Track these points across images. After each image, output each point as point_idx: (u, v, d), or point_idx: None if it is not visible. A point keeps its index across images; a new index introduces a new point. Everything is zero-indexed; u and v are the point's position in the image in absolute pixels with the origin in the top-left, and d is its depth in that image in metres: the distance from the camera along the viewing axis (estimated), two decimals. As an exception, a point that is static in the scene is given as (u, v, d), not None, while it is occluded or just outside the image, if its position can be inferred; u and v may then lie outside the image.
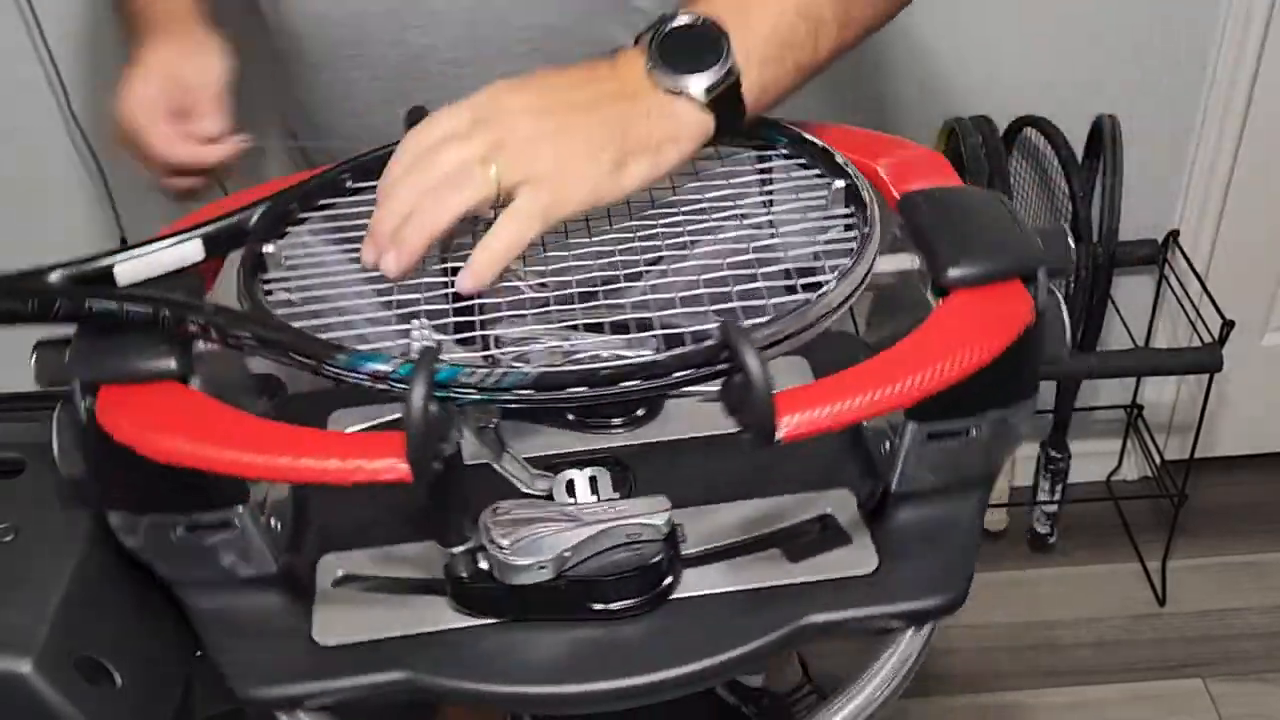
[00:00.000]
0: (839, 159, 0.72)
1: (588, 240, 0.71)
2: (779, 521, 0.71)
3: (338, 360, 0.58)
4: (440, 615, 0.67)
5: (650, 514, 0.65)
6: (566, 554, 0.64)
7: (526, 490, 0.68)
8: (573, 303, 0.66)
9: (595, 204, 0.65)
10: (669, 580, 0.66)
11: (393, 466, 0.55)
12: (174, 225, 0.69)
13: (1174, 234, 1.74)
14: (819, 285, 0.62)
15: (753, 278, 0.65)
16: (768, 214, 0.72)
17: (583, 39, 0.89)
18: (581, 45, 0.85)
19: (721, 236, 0.70)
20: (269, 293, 0.66)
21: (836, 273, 0.63)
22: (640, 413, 0.78)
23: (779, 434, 0.55)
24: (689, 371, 0.56)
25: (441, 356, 0.57)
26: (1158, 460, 1.88)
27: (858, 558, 0.69)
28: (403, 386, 0.56)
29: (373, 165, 0.73)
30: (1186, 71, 1.64)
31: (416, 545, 0.70)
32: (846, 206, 0.70)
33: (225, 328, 0.61)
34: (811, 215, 0.70)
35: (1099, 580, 1.85)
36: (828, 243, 0.68)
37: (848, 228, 0.68)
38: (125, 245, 0.66)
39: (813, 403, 0.56)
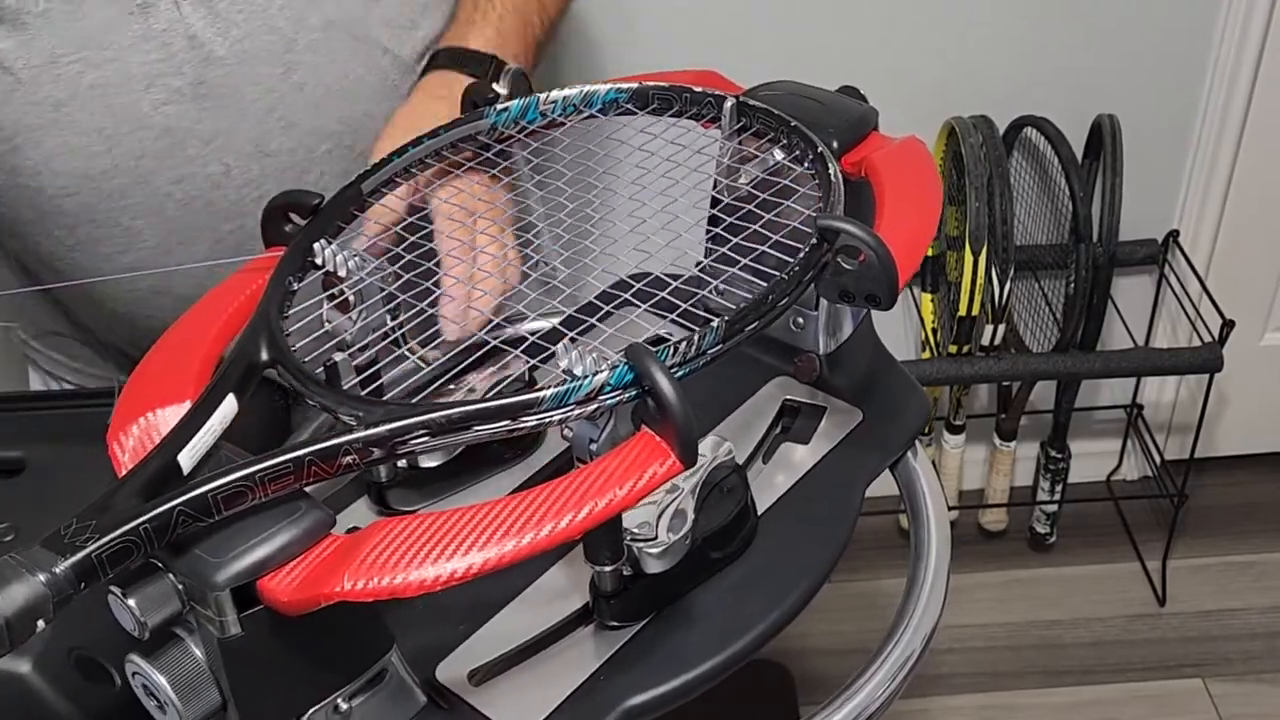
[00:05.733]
0: (696, 89, 0.74)
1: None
2: (760, 427, 0.74)
3: (542, 404, 0.54)
4: (597, 645, 0.64)
5: (722, 450, 0.66)
6: (694, 516, 0.63)
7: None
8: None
9: None
10: (755, 503, 0.68)
11: (663, 466, 0.53)
12: (138, 395, 0.61)
13: (1174, 234, 1.74)
14: (817, 174, 0.67)
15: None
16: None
17: (373, 121, 0.89)
18: (372, 124, 0.88)
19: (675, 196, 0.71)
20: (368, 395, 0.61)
21: (816, 154, 0.67)
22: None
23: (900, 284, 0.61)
24: (811, 272, 0.61)
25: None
26: (1158, 460, 1.88)
27: (847, 417, 0.75)
28: (616, 396, 0.54)
29: (298, 261, 0.68)
30: (1186, 71, 1.64)
31: (504, 612, 0.67)
32: (740, 118, 0.73)
33: (390, 439, 0.53)
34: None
35: (1099, 580, 1.85)
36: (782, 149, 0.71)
37: (758, 135, 0.72)
38: (171, 434, 0.57)
39: (898, 245, 0.61)
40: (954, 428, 1.76)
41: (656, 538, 0.62)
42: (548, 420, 0.54)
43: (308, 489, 0.54)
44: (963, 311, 1.60)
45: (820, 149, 0.68)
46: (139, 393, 0.61)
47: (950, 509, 1.66)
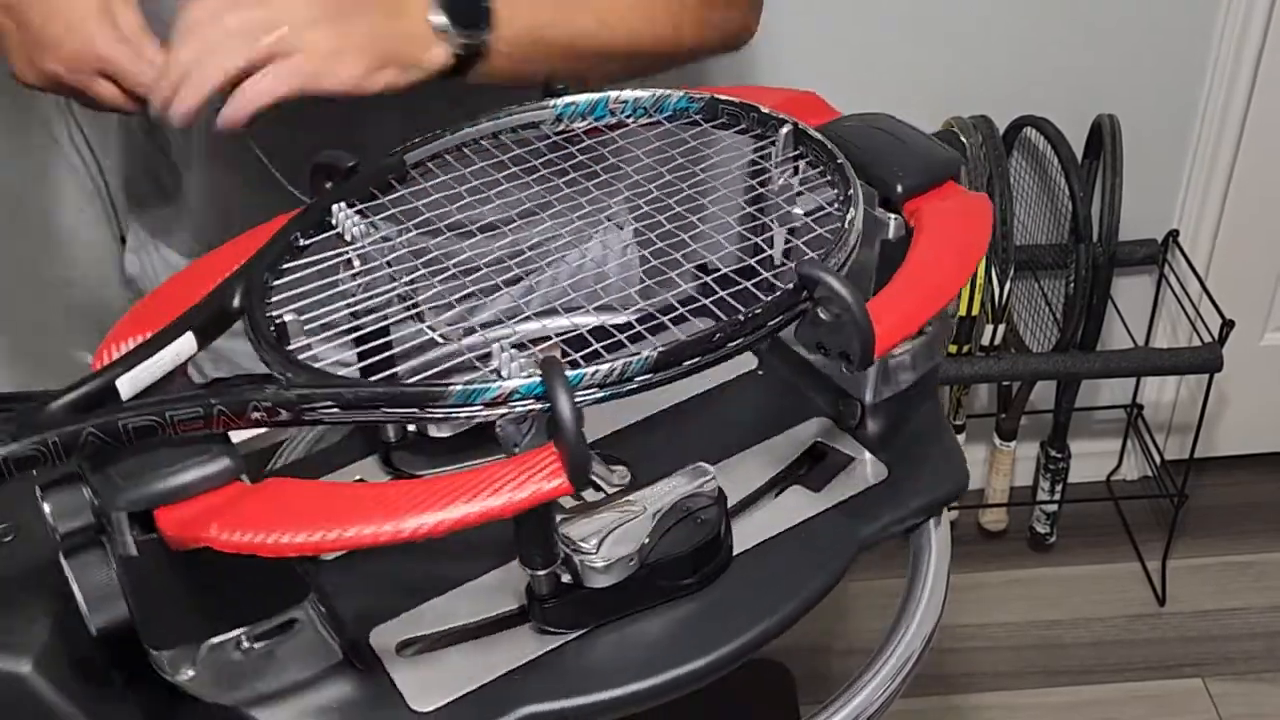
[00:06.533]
0: (764, 110, 0.73)
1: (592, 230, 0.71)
2: (781, 462, 0.73)
3: (450, 398, 0.55)
4: (528, 644, 0.65)
5: (700, 482, 0.65)
6: (646, 540, 0.63)
7: (608, 487, 0.68)
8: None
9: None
10: (730, 540, 0.67)
11: (548, 484, 0.53)
12: (137, 318, 0.64)
13: (1174, 234, 1.74)
14: (837, 217, 0.65)
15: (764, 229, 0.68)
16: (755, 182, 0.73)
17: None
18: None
19: (708, 214, 0.71)
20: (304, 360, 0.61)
21: (842, 199, 0.65)
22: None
23: (877, 349, 0.58)
24: (780, 317, 0.59)
25: (498, 364, 0.56)
26: (1157, 460, 1.88)
27: (869, 470, 0.72)
28: (526, 405, 0.54)
29: (313, 219, 0.69)
30: (1186, 71, 1.64)
31: (457, 590, 0.68)
32: (796, 148, 0.72)
33: (298, 404, 0.56)
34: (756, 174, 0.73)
35: (1099, 580, 1.85)
36: (804, 183, 0.71)
37: (812, 164, 0.71)
38: (119, 360, 0.60)
39: (894, 311, 0.60)
40: (954, 427, 1.76)
41: (597, 553, 0.62)
42: (455, 415, 0.55)
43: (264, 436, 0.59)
44: (963, 311, 1.60)
45: (852, 191, 0.66)
46: (138, 316, 0.64)
47: (950, 509, 1.66)
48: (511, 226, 0.75)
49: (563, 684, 0.63)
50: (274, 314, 0.64)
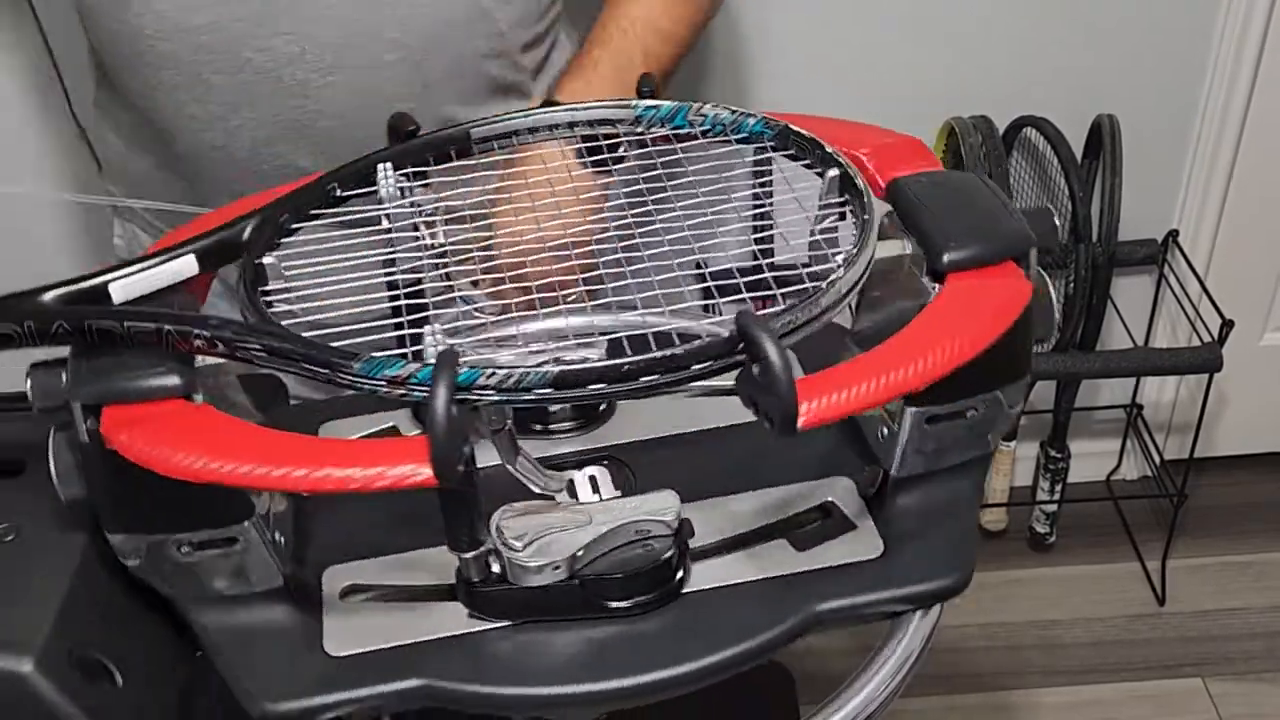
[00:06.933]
0: (828, 149, 0.71)
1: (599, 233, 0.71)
2: (782, 511, 0.71)
3: (353, 368, 0.57)
4: (453, 620, 0.66)
5: (660, 510, 0.65)
6: (579, 553, 0.64)
7: (541, 491, 0.68)
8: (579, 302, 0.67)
9: None
10: (680, 575, 0.66)
11: (416, 472, 0.54)
12: (164, 241, 0.68)
13: (1174, 234, 1.74)
14: (825, 274, 0.62)
15: (758, 269, 0.65)
16: (763, 206, 0.73)
17: (449, 52, 0.96)
18: (447, 57, 0.95)
19: (721, 230, 0.71)
20: (270, 304, 0.65)
21: (843, 259, 0.63)
22: (602, 410, 0.78)
23: (800, 421, 0.55)
24: (708, 363, 0.56)
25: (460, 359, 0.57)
26: (1157, 460, 1.88)
27: (863, 544, 0.68)
28: (423, 391, 0.55)
29: (356, 173, 0.72)
30: (1186, 71, 1.64)
31: (423, 551, 0.69)
32: (841, 195, 0.70)
33: (233, 341, 0.60)
34: (807, 205, 0.71)
35: (1098, 580, 1.85)
36: (823, 232, 0.68)
37: (843, 215, 0.69)
38: (121, 264, 0.65)
39: (832, 388, 0.57)
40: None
41: (522, 552, 0.63)
42: (358, 385, 0.57)
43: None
44: (962, 311, 1.59)
45: (858, 250, 0.63)
46: (169, 239, 0.69)
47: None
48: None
49: (467, 668, 0.64)
50: (265, 257, 0.67)
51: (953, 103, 1.63)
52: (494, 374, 0.56)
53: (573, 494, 0.72)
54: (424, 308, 0.66)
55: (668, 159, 0.72)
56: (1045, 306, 0.67)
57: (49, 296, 0.62)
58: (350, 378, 0.58)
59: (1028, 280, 0.64)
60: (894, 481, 0.69)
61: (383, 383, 0.57)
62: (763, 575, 0.67)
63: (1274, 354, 1.87)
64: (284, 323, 0.63)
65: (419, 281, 0.69)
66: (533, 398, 0.56)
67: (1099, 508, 1.94)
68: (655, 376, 0.56)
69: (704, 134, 0.73)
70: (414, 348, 0.62)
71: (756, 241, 0.69)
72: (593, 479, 0.73)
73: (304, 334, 0.61)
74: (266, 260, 0.67)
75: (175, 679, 0.72)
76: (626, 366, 0.56)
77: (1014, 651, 1.76)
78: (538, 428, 0.77)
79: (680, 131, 0.74)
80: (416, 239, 0.70)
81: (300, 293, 0.67)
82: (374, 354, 0.58)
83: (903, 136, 0.75)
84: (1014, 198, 1.60)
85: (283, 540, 0.67)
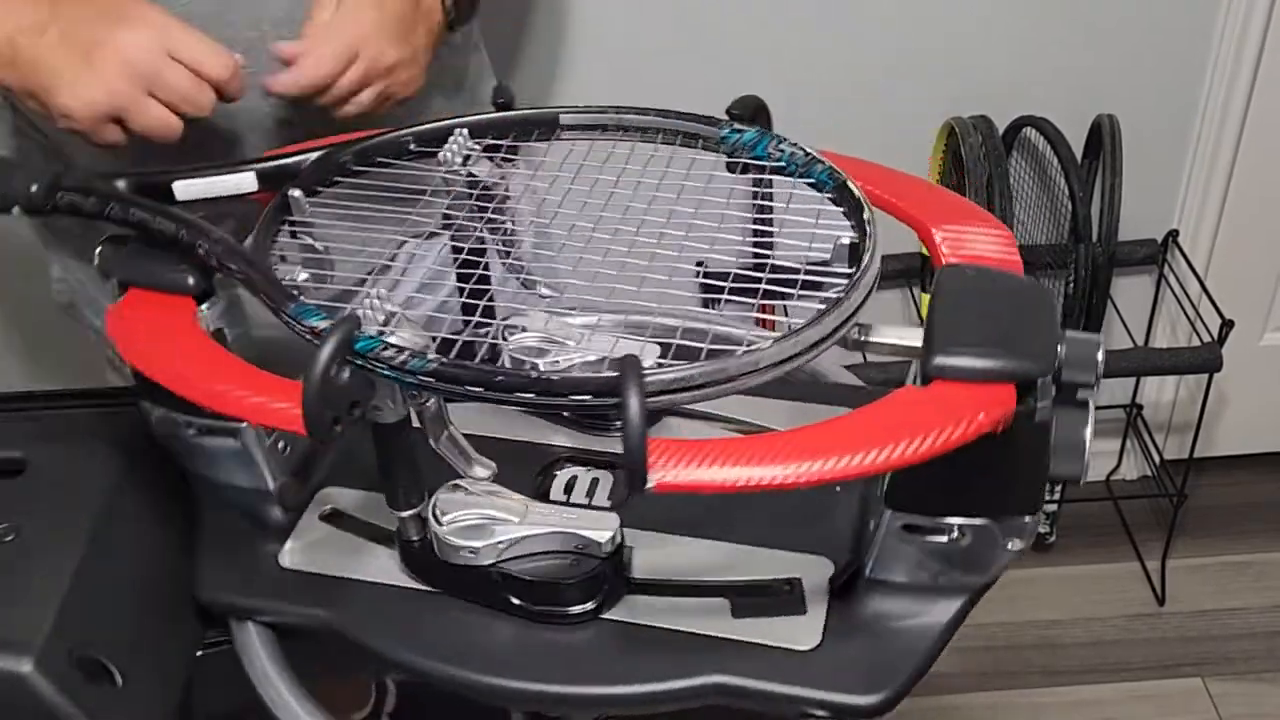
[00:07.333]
0: (866, 215, 0.66)
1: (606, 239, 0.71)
2: (743, 572, 0.68)
3: (288, 307, 0.61)
4: (387, 571, 0.70)
5: (596, 529, 0.65)
6: (502, 545, 0.65)
7: (464, 473, 0.68)
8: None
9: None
10: (599, 599, 0.66)
11: (289, 411, 0.57)
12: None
13: (1173, 234, 1.74)
14: (753, 340, 0.58)
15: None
16: (767, 230, 0.72)
17: None
18: None
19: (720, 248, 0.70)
20: (286, 234, 0.71)
21: (781, 333, 0.58)
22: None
23: (649, 484, 0.53)
24: (584, 397, 0.55)
25: (388, 331, 0.59)
26: (1157, 460, 1.88)
27: (801, 632, 0.65)
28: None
29: (435, 133, 0.75)
30: (1186, 71, 1.64)
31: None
32: (849, 264, 0.65)
33: (220, 257, 0.66)
34: (813, 251, 0.68)
35: (1098, 580, 1.85)
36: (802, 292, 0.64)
37: (834, 286, 0.64)
38: (191, 166, 0.73)
39: (691, 460, 0.53)
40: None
41: (442, 527, 0.66)
42: (291, 325, 0.62)
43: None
44: (962, 311, 1.59)
45: (825, 340, 0.59)
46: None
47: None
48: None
49: (374, 619, 0.68)
50: (294, 192, 0.71)
51: (953, 103, 1.63)
52: (388, 349, 0.58)
53: (543, 490, 0.73)
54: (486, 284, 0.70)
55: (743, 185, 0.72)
56: (1070, 445, 0.59)
57: (123, 182, 0.72)
58: (286, 317, 0.62)
59: (1009, 411, 0.56)
60: (866, 580, 0.66)
61: (306, 331, 0.60)
62: (685, 628, 0.66)
63: (1274, 354, 1.87)
64: (281, 255, 0.69)
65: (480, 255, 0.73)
66: (413, 380, 0.58)
67: (1099, 508, 1.94)
68: (530, 395, 0.56)
69: (775, 169, 0.72)
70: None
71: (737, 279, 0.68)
72: (572, 480, 0.73)
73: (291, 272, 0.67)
74: (294, 193, 0.71)
75: (175, 679, 0.72)
76: (500, 378, 0.56)
77: (1014, 651, 1.76)
78: (587, 420, 0.78)
79: (758, 160, 0.72)
80: (475, 209, 0.72)
81: (314, 231, 0.71)
82: (308, 303, 0.62)
83: (997, 225, 0.68)
84: (1014, 198, 1.60)
85: (287, 450, 0.72)
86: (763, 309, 0.66)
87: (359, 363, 0.58)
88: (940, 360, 0.57)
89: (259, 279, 0.64)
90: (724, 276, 0.67)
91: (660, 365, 0.57)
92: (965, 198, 0.72)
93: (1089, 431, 0.59)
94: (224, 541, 0.73)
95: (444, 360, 0.57)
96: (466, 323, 0.66)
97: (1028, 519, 0.63)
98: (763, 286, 0.65)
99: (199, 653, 0.74)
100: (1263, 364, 1.87)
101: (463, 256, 0.74)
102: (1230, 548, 1.88)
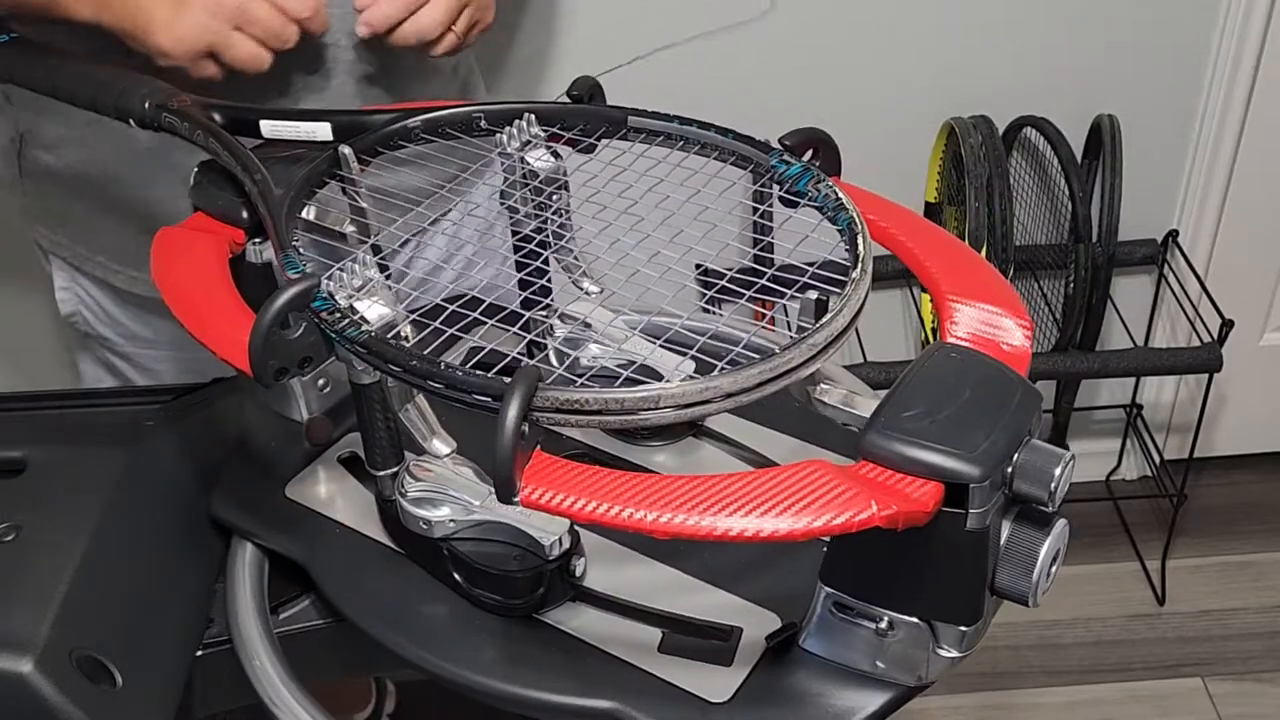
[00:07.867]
0: (854, 273, 0.63)
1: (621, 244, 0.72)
2: (690, 607, 0.67)
3: (281, 255, 0.65)
4: (365, 521, 0.73)
5: (543, 530, 0.65)
6: (454, 524, 0.67)
7: (424, 446, 0.69)
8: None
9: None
10: (536, 598, 0.66)
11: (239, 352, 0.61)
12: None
13: (1173, 234, 1.74)
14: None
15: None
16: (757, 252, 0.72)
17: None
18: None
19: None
20: (329, 180, 0.75)
21: (692, 376, 0.57)
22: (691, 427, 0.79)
23: (517, 497, 0.54)
24: (459, 393, 0.57)
25: (360, 298, 0.62)
26: (1157, 460, 1.88)
27: (716, 683, 0.63)
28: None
29: (504, 114, 0.76)
30: (1186, 71, 1.64)
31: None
32: (815, 319, 0.61)
33: (257, 193, 0.70)
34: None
35: (1098, 580, 1.85)
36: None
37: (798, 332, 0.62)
38: (276, 109, 0.79)
39: (560, 486, 0.54)
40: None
41: (405, 496, 0.68)
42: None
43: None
44: (962, 311, 1.59)
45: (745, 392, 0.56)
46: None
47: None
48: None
49: (338, 563, 0.71)
50: (344, 149, 0.74)
51: (953, 103, 1.63)
52: (335, 312, 0.61)
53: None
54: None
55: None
56: (1018, 561, 0.57)
57: (218, 108, 0.78)
58: (278, 263, 0.65)
59: (928, 511, 0.53)
60: (798, 649, 0.64)
61: (286, 274, 0.64)
62: (607, 649, 0.66)
63: (1274, 354, 1.87)
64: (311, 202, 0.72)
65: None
66: (348, 347, 0.61)
67: (1099, 508, 1.94)
68: (438, 385, 0.58)
69: (811, 205, 0.72)
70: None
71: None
72: None
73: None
74: (344, 149, 0.75)
75: (175, 679, 0.72)
76: (414, 362, 0.59)
77: (1014, 651, 1.76)
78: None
79: (793, 193, 0.72)
80: (530, 198, 0.74)
81: (361, 190, 0.76)
82: (300, 255, 0.65)
83: (1020, 312, 0.64)
84: (1014, 198, 1.60)
85: (327, 388, 0.77)
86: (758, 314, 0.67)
87: (317, 321, 0.61)
88: (869, 438, 0.55)
89: (272, 220, 0.67)
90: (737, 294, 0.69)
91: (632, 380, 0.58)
92: (999, 272, 0.68)
93: (1046, 550, 0.57)
94: (246, 463, 0.78)
95: (374, 334, 0.60)
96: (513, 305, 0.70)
97: (964, 629, 0.60)
98: (760, 290, 0.67)
99: (199, 653, 0.74)
100: (1263, 364, 1.87)
101: (514, 241, 0.76)
102: (1230, 548, 1.88)
